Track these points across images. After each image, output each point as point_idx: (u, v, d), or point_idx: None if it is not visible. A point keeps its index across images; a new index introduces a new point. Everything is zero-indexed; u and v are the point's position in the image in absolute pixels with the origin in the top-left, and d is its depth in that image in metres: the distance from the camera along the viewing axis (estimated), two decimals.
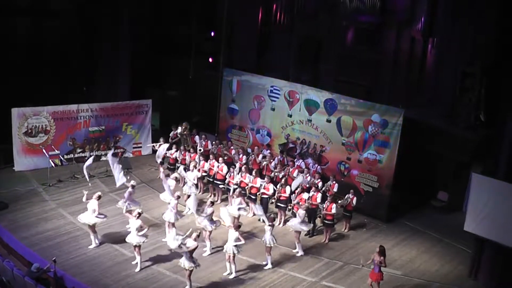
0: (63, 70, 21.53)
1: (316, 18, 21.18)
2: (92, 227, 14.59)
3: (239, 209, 15.74)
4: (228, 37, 22.05)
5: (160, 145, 18.76)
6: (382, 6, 19.21)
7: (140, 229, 13.62)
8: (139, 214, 13.87)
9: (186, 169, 17.68)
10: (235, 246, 13.47)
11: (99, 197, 14.57)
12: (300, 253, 15.11)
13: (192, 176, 16.97)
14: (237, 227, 13.70)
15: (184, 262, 12.76)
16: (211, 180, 17.94)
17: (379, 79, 20.00)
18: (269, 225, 14.14)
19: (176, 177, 16.91)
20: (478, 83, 16.51)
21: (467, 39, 17.08)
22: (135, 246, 13.68)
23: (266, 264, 14.33)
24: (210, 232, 14.62)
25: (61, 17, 21.87)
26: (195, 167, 17.28)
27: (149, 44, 23.85)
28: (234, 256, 13.60)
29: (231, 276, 13.73)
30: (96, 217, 14.41)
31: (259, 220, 16.06)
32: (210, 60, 23.36)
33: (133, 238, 13.64)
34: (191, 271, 12.80)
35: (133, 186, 15.55)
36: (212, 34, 23.80)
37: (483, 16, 16.51)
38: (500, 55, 16.16)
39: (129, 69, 22.43)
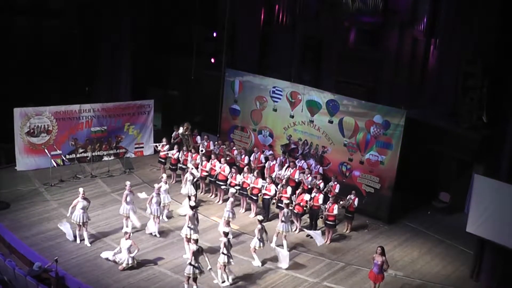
0: (63, 70, 21.54)
1: (318, 18, 21.15)
2: (84, 226, 14.62)
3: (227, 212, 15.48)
4: (230, 38, 22.01)
5: (162, 145, 19.02)
6: (384, 6, 19.18)
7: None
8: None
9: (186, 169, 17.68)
10: (228, 256, 13.03)
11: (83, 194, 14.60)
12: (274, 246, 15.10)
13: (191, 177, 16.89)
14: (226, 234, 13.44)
15: (189, 268, 12.50)
16: (213, 180, 17.98)
17: (381, 80, 19.97)
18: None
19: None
20: (480, 83, 16.43)
21: (469, 39, 17.02)
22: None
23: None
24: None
25: (61, 17, 21.88)
26: (193, 167, 17.25)
27: (150, 44, 23.82)
28: (225, 266, 13.13)
29: (226, 284, 13.29)
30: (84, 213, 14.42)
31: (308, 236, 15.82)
32: (212, 60, 23.36)
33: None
34: (196, 277, 12.53)
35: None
36: (214, 34, 23.79)
37: (485, 16, 16.45)
38: (502, 54, 16.09)
39: (131, 69, 22.39)
